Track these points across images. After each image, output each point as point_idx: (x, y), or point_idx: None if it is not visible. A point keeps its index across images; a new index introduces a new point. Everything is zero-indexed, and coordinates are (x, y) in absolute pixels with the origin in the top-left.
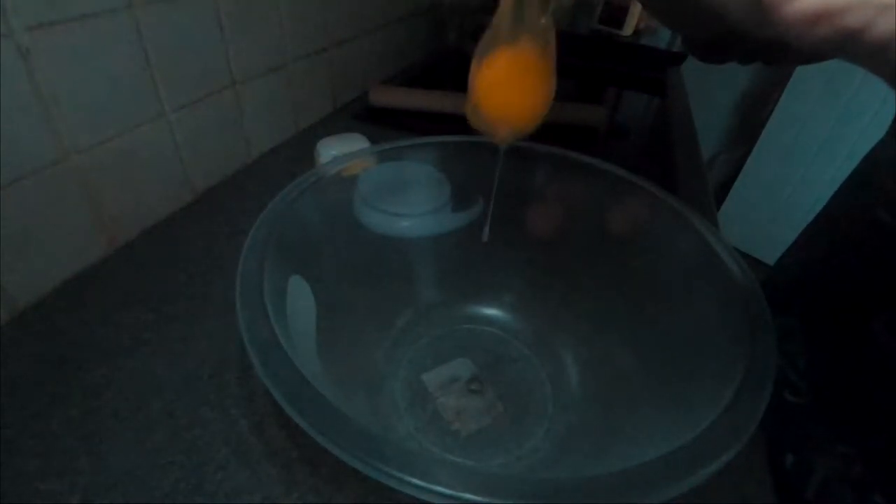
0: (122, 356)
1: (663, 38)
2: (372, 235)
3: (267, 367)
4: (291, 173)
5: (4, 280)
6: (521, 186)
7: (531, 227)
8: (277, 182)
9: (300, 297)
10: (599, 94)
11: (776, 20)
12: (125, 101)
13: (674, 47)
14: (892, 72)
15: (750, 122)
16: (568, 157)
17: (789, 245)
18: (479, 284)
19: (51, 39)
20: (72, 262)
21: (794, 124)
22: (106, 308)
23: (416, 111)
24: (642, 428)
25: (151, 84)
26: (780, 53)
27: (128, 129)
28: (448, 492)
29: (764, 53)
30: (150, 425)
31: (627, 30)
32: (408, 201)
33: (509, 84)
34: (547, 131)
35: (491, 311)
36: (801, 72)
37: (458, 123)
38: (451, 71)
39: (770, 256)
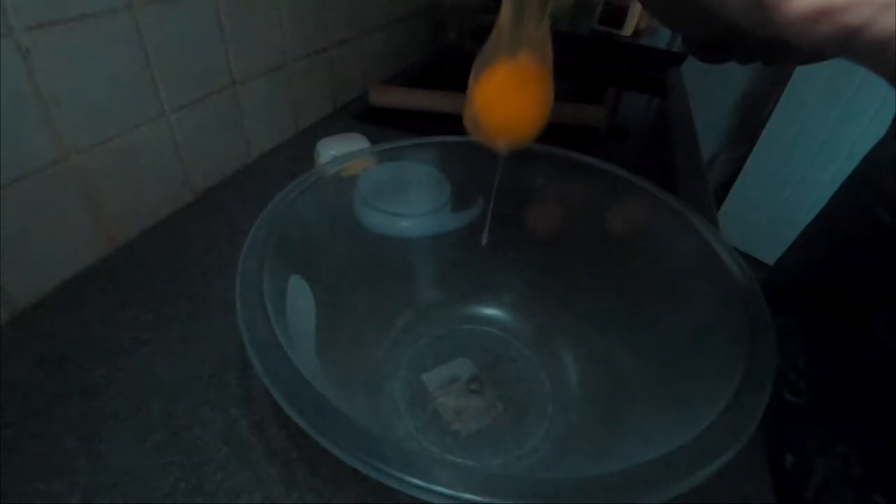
0: (122, 356)
1: (663, 38)
2: (372, 235)
3: (267, 367)
4: (291, 173)
5: (4, 280)
6: (520, 186)
7: (531, 227)
8: (277, 182)
9: (300, 297)
10: (599, 95)
11: (776, 18)
12: (125, 101)
13: (674, 47)
14: (891, 70)
15: (750, 122)
16: (568, 157)
17: (789, 245)
18: (479, 284)
19: (51, 39)
20: (72, 262)
21: (794, 124)
22: (106, 308)
23: (416, 111)
24: (642, 428)
25: (151, 84)
26: (779, 53)
27: (128, 129)
28: (448, 492)
29: (764, 53)
30: (150, 425)
31: (627, 30)
32: (408, 201)
33: (508, 97)
34: (547, 131)
35: (491, 311)
36: (801, 72)
37: (458, 123)
38: (451, 71)
39: (770, 256)
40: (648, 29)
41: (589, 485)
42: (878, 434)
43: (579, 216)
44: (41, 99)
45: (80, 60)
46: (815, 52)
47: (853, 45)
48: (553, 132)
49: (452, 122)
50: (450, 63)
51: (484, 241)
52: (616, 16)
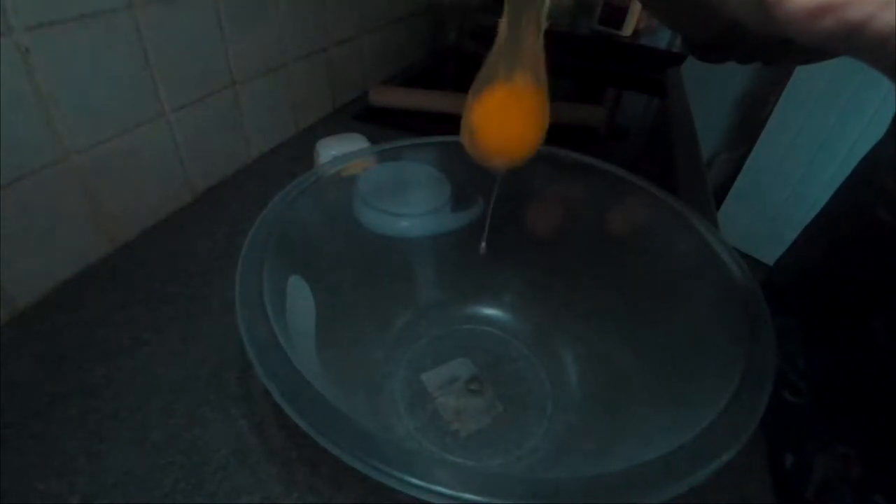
0: (122, 356)
1: (663, 38)
2: (372, 235)
3: (266, 368)
4: (291, 173)
5: (4, 280)
6: (520, 186)
7: (531, 227)
8: (277, 182)
9: (300, 297)
10: (599, 95)
11: (777, 15)
12: (125, 101)
13: (673, 48)
14: (892, 65)
15: (749, 122)
16: (568, 157)
17: (789, 245)
18: (479, 284)
19: (51, 39)
20: (72, 262)
21: (794, 124)
22: (106, 308)
23: (416, 111)
24: (642, 428)
25: (151, 84)
26: (779, 53)
27: (127, 129)
28: (448, 492)
29: (763, 53)
30: (150, 425)
31: (627, 30)
32: (407, 201)
33: (504, 120)
34: (547, 131)
35: (491, 311)
36: (800, 72)
37: (457, 123)
38: (451, 71)
39: (770, 256)
40: (648, 29)
41: (589, 485)
42: (878, 434)
43: (579, 216)
44: (41, 99)
45: (80, 60)
46: (816, 50)
47: (854, 41)
48: (553, 132)
49: (452, 122)
50: (450, 63)
51: (482, 252)
52: (616, 16)
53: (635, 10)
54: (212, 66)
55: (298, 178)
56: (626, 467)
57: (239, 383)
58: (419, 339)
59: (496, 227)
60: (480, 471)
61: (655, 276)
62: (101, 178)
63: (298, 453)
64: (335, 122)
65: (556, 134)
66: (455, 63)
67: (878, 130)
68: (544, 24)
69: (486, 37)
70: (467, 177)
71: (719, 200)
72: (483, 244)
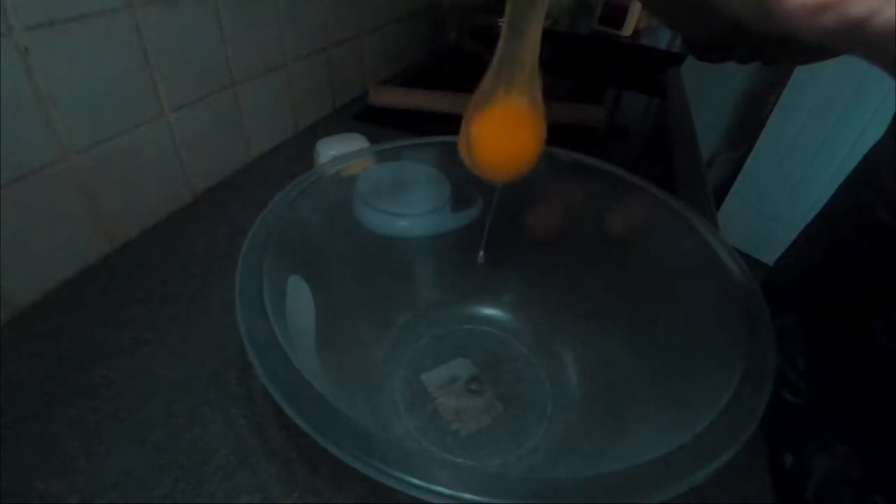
0: (122, 356)
1: (663, 38)
2: (371, 235)
3: (266, 367)
4: (291, 173)
5: (4, 280)
6: (520, 186)
7: (531, 227)
8: (277, 182)
9: (299, 297)
10: (599, 95)
11: (778, 13)
12: (124, 101)
13: (673, 48)
14: (893, 62)
15: (749, 122)
16: (568, 158)
17: (789, 245)
18: (479, 284)
19: (50, 39)
20: (71, 261)
21: (794, 124)
22: (106, 308)
23: (416, 111)
24: (642, 428)
25: (151, 84)
26: (779, 52)
27: (127, 129)
28: (448, 492)
29: (763, 53)
30: (150, 425)
31: (627, 30)
32: (407, 201)
33: (502, 137)
34: (547, 131)
35: (491, 311)
36: (800, 72)
37: (457, 123)
38: (451, 71)
39: (769, 256)
40: (648, 29)
41: (589, 485)
42: (878, 434)
43: (579, 216)
44: (40, 99)
45: (80, 60)
46: (815, 50)
47: (855, 38)
48: (553, 132)
49: (452, 122)
50: (450, 63)
51: (480, 261)
52: (616, 16)
53: (635, 10)
54: (211, 66)
55: (298, 178)
56: (626, 467)
57: (239, 383)
58: (419, 340)
59: (496, 226)
60: (480, 471)
61: (655, 276)
62: (100, 177)
63: (298, 453)
64: (335, 122)
65: (556, 134)
66: (455, 63)
67: (878, 130)
68: (540, 44)
69: (486, 37)
70: (467, 177)
71: (719, 200)
72: (481, 253)
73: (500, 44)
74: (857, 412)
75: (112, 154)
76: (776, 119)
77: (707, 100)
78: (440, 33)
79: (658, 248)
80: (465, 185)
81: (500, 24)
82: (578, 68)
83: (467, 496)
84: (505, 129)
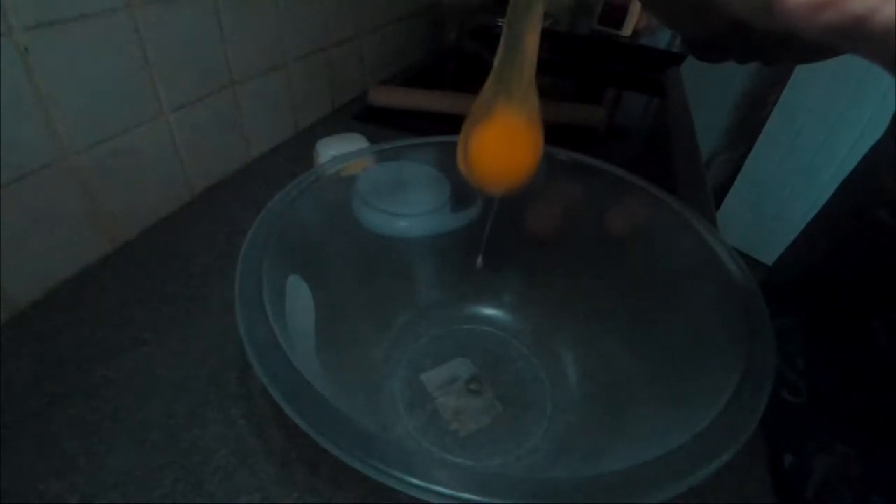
0: (122, 356)
1: (662, 38)
2: (371, 235)
3: (266, 368)
4: (291, 173)
5: (4, 280)
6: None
7: (531, 227)
8: (277, 182)
9: (299, 297)
10: (599, 95)
11: (780, 10)
12: (124, 101)
13: (673, 48)
14: (893, 60)
15: (749, 122)
16: (568, 157)
17: (788, 245)
18: (479, 284)
19: (50, 39)
20: (71, 261)
21: (794, 124)
22: (106, 308)
23: (416, 111)
24: (641, 428)
25: (150, 84)
26: (779, 52)
27: (127, 128)
28: (447, 492)
29: (764, 52)
30: (150, 425)
31: (627, 30)
32: (407, 201)
33: (500, 153)
34: (547, 131)
35: (490, 311)
36: (800, 71)
37: (457, 123)
38: (451, 71)
39: (769, 256)
40: (648, 29)
41: (588, 485)
42: (877, 434)
43: (579, 216)
44: (40, 99)
45: (79, 60)
46: (815, 49)
47: (855, 35)
48: (553, 132)
49: (452, 122)
50: (449, 63)
51: (478, 267)
52: (615, 16)
53: (635, 10)
54: (211, 65)
55: (298, 178)
56: (626, 467)
57: (239, 383)
58: (419, 339)
59: (496, 226)
60: (480, 471)
61: (655, 276)
62: (100, 177)
63: (298, 453)
64: (335, 122)
65: (556, 134)
66: (455, 63)
67: (878, 130)
68: (536, 59)
69: (487, 37)
70: None
71: (719, 200)
72: (480, 259)
73: (498, 58)
74: (857, 412)
75: (112, 154)
76: (776, 119)
77: (707, 100)
78: (440, 33)
79: (658, 248)
80: (464, 185)
81: (499, 24)
82: (578, 68)
83: (467, 496)
84: (502, 145)
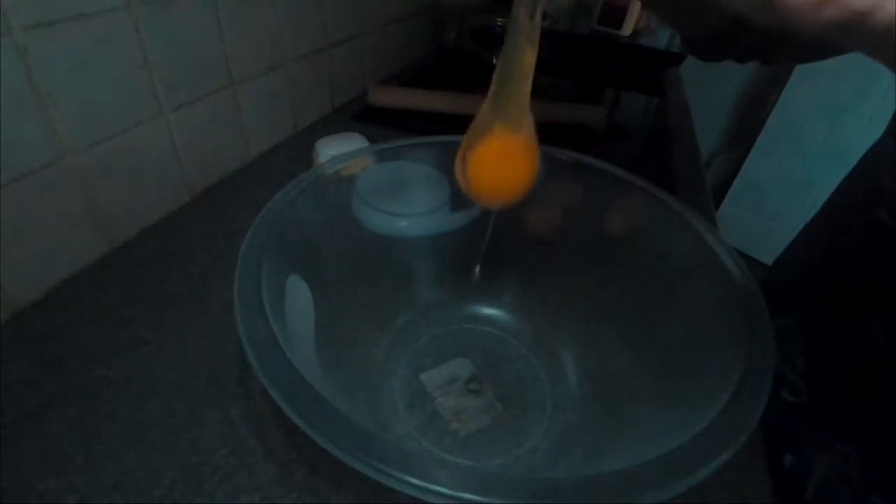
0: (121, 356)
1: (662, 38)
2: (371, 235)
3: (265, 368)
4: (290, 173)
5: (4, 280)
6: None
7: (530, 227)
8: (276, 182)
9: (299, 297)
10: (598, 95)
11: (781, 7)
12: (123, 101)
13: (672, 48)
14: (893, 57)
15: (748, 121)
16: (567, 157)
17: (788, 245)
18: (479, 284)
19: (49, 39)
20: (71, 261)
21: (793, 124)
22: (105, 308)
23: (416, 111)
24: (641, 427)
25: (149, 83)
26: (778, 51)
27: (126, 128)
28: (447, 492)
29: (764, 51)
30: (149, 425)
31: (626, 30)
32: (407, 201)
33: (497, 170)
34: (546, 131)
35: (490, 311)
36: (799, 71)
37: (457, 123)
38: (451, 71)
39: (769, 256)
40: (647, 29)
41: (588, 484)
42: (876, 434)
43: (578, 216)
44: (39, 98)
45: (79, 60)
46: (815, 48)
47: (857, 31)
48: (552, 132)
49: (451, 122)
50: (449, 63)
51: (476, 278)
52: (615, 16)
53: (634, 9)
54: (210, 65)
55: (297, 178)
56: (626, 467)
57: (238, 383)
58: (419, 339)
59: (496, 225)
60: (479, 471)
61: (655, 276)
62: (99, 177)
63: (297, 453)
64: (334, 122)
65: (556, 134)
66: (455, 63)
67: (878, 130)
68: (532, 78)
69: (486, 37)
70: None
71: (718, 200)
72: (477, 270)
73: (494, 84)
74: (857, 412)
75: (111, 154)
76: (775, 119)
77: (706, 100)
78: (440, 33)
79: (657, 248)
80: None
81: (499, 24)
82: (578, 68)
83: (466, 496)
84: (499, 164)
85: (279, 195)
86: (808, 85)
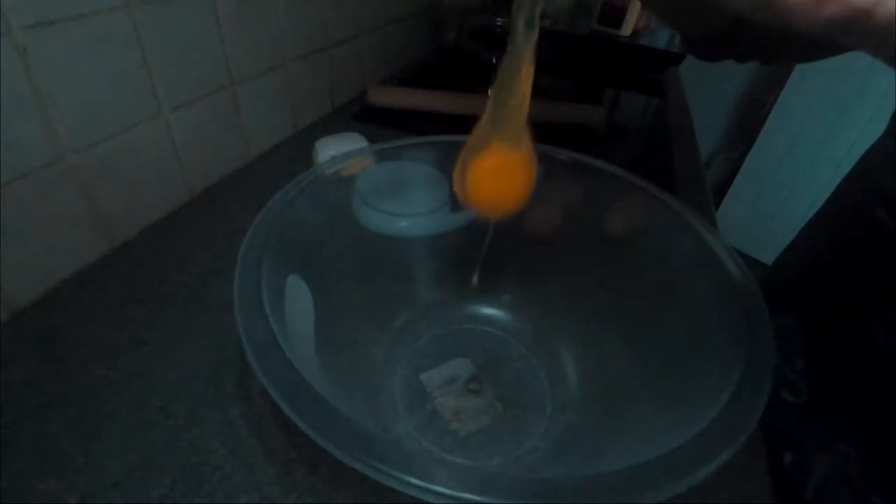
0: (121, 356)
1: (662, 38)
2: (370, 235)
3: (265, 368)
4: (290, 173)
5: (4, 280)
6: None
7: (530, 227)
8: (276, 182)
9: (298, 297)
10: (598, 95)
11: (782, 5)
12: (123, 101)
13: (672, 47)
14: (894, 55)
15: (748, 121)
16: (567, 157)
17: (788, 245)
18: (479, 284)
19: (48, 38)
20: (70, 261)
21: (793, 124)
22: (105, 308)
23: (416, 111)
24: (641, 427)
25: (149, 83)
26: (778, 51)
27: (125, 128)
28: (447, 492)
29: (764, 50)
30: (149, 425)
31: (626, 30)
32: (406, 201)
33: (496, 184)
34: (546, 131)
35: (490, 311)
36: (799, 71)
37: (457, 123)
38: (451, 71)
39: (768, 256)
40: (647, 29)
41: (588, 484)
42: (876, 434)
43: (578, 216)
44: (39, 98)
45: (78, 59)
46: (814, 47)
47: (858, 29)
48: (552, 132)
49: (451, 122)
50: (449, 63)
51: (474, 283)
52: (615, 16)
53: (634, 9)
54: (210, 65)
55: (297, 178)
56: (626, 467)
57: (238, 383)
58: (418, 339)
59: (496, 225)
60: (479, 471)
61: (655, 276)
62: (99, 177)
63: (297, 453)
64: (334, 122)
65: (556, 134)
66: (455, 63)
67: (877, 129)
68: (530, 91)
69: (486, 37)
70: None
71: (718, 200)
72: (475, 277)
73: (494, 93)
74: (857, 412)
75: (111, 153)
76: (775, 119)
77: (706, 100)
78: (440, 33)
79: (657, 248)
80: None
81: (499, 24)
82: (577, 68)
83: (466, 496)
84: (497, 178)
85: (279, 195)
86: (808, 85)
